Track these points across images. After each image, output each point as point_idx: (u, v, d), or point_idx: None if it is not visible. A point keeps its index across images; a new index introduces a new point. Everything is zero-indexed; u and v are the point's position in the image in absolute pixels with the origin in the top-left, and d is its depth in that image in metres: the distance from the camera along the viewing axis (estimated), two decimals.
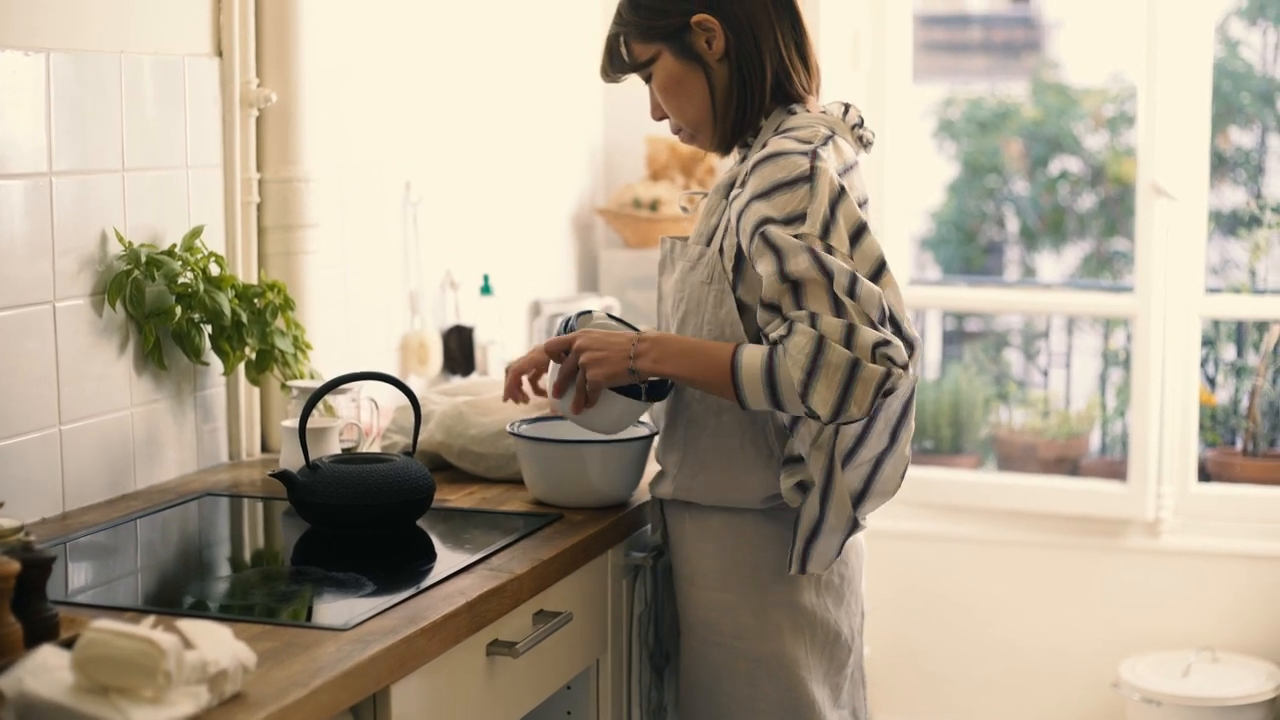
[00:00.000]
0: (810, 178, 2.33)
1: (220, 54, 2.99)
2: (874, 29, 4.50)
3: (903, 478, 2.53)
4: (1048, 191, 7.36)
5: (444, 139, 3.80)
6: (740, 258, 2.43)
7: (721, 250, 2.46)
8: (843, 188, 2.36)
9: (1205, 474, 4.62)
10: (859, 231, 2.36)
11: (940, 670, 4.63)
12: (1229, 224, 5.87)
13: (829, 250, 2.30)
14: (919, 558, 4.54)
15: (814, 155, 2.36)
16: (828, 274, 2.27)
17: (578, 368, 2.47)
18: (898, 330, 2.35)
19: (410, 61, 3.64)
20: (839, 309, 2.27)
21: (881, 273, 2.36)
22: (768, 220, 2.33)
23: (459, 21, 3.84)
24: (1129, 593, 4.46)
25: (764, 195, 2.35)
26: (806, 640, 2.55)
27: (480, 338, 3.84)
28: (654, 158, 4.53)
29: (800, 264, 2.28)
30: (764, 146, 2.43)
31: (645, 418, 2.94)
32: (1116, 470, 4.88)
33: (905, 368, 2.29)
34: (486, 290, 3.90)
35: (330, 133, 3.30)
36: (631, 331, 2.51)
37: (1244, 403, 4.90)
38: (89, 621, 1.98)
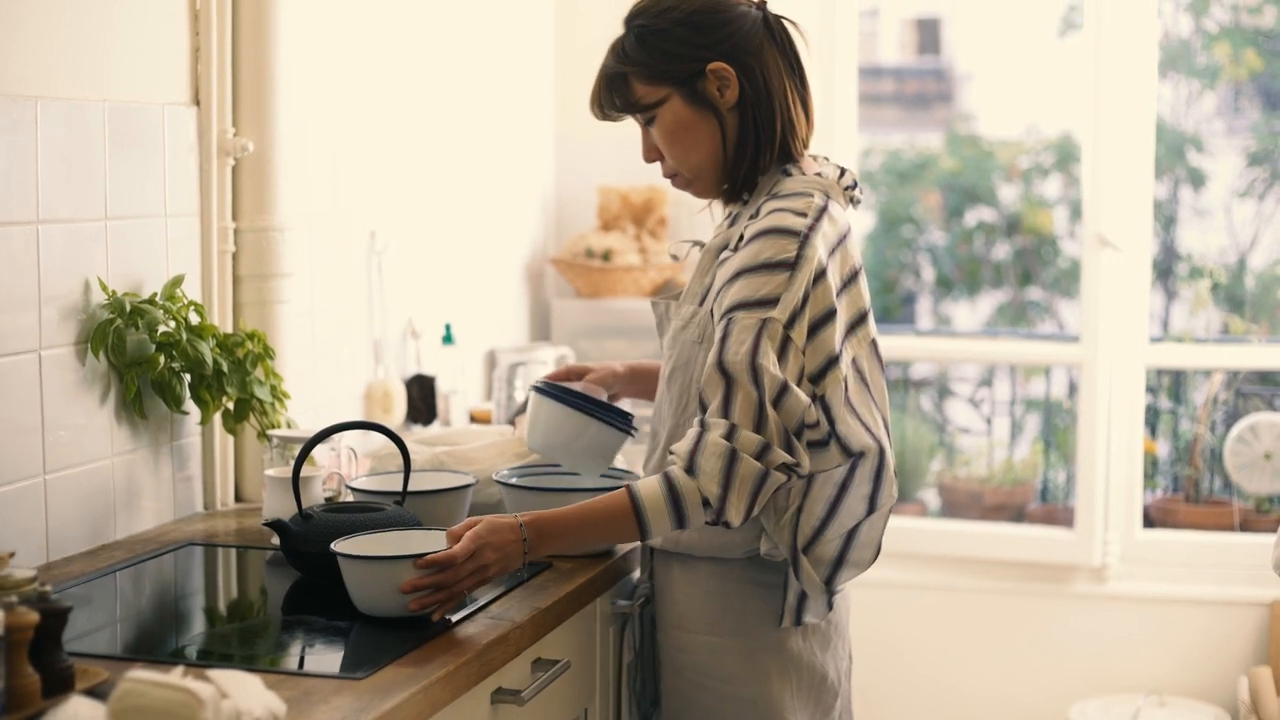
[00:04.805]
0: (794, 265, 2.36)
1: (198, 103, 2.98)
2: (824, 82, 4.54)
3: (878, 550, 2.54)
4: (964, 242, 7.46)
5: (406, 188, 3.81)
6: None
7: (712, 312, 2.47)
8: (822, 273, 2.38)
9: (1149, 520, 4.69)
10: (823, 321, 2.39)
11: (890, 717, 4.65)
12: None
13: (786, 342, 2.34)
14: (868, 605, 4.56)
15: (804, 242, 2.38)
16: (759, 385, 2.32)
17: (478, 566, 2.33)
18: (833, 430, 2.39)
19: (374, 113, 3.65)
20: (760, 423, 2.32)
21: (830, 369, 2.39)
22: (739, 305, 2.36)
23: (419, 75, 3.85)
24: (1077, 638, 4.51)
25: (749, 271, 2.37)
26: (793, 683, 2.56)
27: (442, 387, 3.84)
28: (606, 208, 4.55)
29: (739, 364, 2.32)
30: (757, 211, 2.45)
31: (625, 462, 2.96)
32: (1058, 517, 4.95)
33: (804, 476, 2.37)
34: (448, 340, 3.90)
35: (300, 182, 3.29)
36: (512, 518, 2.36)
37: (1184, 450, 4.98)
38: (102, 672, 1.97)
